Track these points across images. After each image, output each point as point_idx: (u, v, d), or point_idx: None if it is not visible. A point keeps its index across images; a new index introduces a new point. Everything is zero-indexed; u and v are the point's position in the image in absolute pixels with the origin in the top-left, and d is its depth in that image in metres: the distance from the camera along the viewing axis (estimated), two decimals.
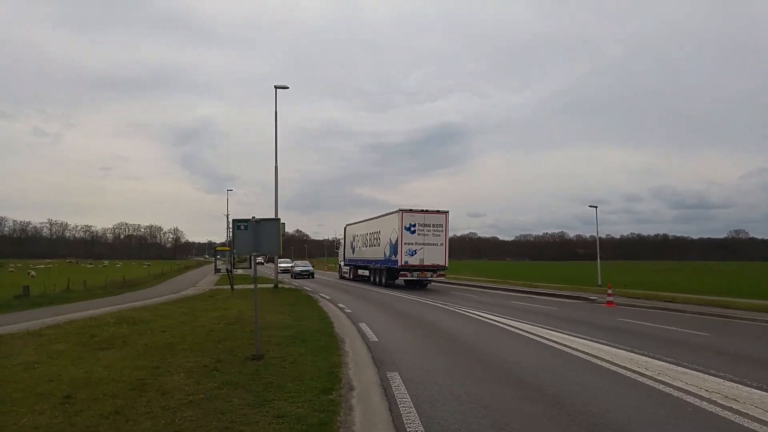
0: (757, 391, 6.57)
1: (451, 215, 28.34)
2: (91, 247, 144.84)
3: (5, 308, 17.56)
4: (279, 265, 35.81)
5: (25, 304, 18.85)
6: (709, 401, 6.05)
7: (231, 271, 28.18)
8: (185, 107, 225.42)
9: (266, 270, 52.02)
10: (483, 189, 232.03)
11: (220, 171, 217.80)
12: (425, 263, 27.63)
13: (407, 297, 22.76)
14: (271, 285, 27.21)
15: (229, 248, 44.02)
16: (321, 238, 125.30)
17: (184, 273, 55.36)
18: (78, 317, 14.11)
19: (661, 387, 6.74)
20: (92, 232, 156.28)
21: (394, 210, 28.41)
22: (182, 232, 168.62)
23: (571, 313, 16.95)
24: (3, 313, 16.13)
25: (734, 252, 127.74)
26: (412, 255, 27.44)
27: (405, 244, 27.33)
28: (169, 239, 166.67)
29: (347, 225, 40.20)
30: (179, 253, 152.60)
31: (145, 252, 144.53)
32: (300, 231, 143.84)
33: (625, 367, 7.93)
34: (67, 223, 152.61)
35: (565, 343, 10.24)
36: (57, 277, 32.88)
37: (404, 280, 29.27)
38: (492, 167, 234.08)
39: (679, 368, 7.87)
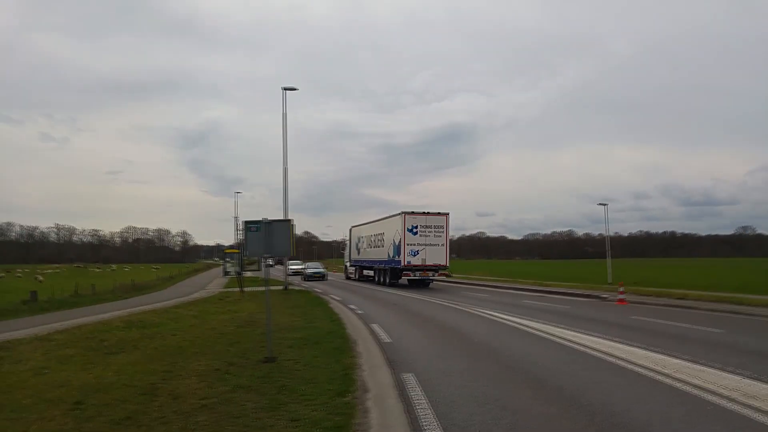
0: None
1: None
2: (98, 251, 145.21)
3: (13, 313, 17.50)
4: (289, 267, 35.93)
5: (33, 309, 18.82)
6: (729, 399, 5.92)
7: (241, 273, 28.27)
8: (192, 110, 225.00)
9: (275, 272, 52.01)
10: (491, 188, 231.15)
11: (228, 173, 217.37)
12: (427, 263, 28.63)
13: (416, 297, 22.68)
14: (281, 287, 27.23)
15: (237, 251, 44.17)
16: (330, 240, 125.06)
17: (193, 276, 55.43)
18: (87, 322, 14.08)
19: (679, 385, 6.61)
20: (100, 237, 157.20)
21: (397, 212, 29.30)
22: (190, 235, 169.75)
23: (584, 311, 16.81)
24: (11, 319, 16.08)
25: (742, 248, 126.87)
26: (415, 255, 28.34)
27: (408, 244, 28.22)
28: (178, 242, 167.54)
29: (352, 227, 40.76)
30: (187, 256, 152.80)
31: (154, 255, 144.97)
32: (308, 232, 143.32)
33: (641, 366, 7.80)
34: (74, 228, 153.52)
35: (580, 342, 10.12)
36: (65, 282, 32.97)
37: (407, 279, 30.09)
38: (500, 167, 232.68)
39: (696, 366, 7.73)
